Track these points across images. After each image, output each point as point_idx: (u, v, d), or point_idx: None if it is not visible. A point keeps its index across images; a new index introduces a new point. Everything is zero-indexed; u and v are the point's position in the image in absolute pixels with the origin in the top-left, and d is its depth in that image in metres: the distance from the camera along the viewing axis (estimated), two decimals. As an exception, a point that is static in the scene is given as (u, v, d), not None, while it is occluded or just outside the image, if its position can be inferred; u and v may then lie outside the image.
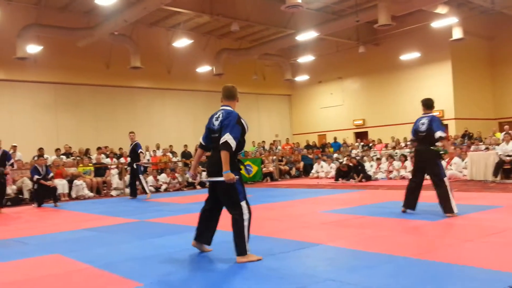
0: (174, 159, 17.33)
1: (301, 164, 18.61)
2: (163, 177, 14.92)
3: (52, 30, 16.68)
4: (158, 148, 18.07)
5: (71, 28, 16.95)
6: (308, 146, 21.30)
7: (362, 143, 20.74)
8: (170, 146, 18.39)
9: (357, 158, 15.81)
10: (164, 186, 14.65)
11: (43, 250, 5.55)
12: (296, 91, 26.29)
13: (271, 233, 5.83)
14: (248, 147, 17.62)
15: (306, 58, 22.38)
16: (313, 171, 17.28)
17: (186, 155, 18.49)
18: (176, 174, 15.06)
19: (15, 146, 14.69)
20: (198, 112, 22.28)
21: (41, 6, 16.99)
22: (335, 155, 18.81)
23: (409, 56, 20.60)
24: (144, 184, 12.36)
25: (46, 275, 4.34)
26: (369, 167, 15.10)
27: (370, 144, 20.21)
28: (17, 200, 12.42)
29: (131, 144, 12.46)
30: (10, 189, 12.63)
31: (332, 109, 24.55)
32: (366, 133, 23.15)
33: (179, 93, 21.88)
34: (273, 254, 4.66)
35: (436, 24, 17.84)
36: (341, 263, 4.31)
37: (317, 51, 22.46)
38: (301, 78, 24.45)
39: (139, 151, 12.24)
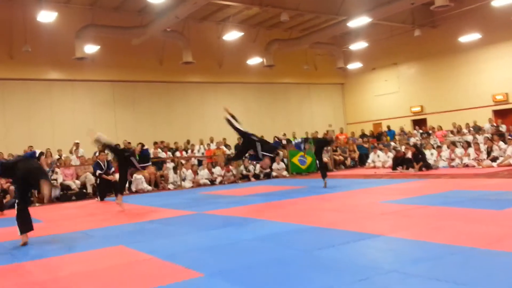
0: (228, 152, 17.47)
1: (357, 154, 18.22)
2: (217, 170, 15.10)
3: (107, 30, 17.24)
4: (212, 141, 18.29)
5: (125, 27, 17.45)
6: (363, 135, 20.82)
7: (421, 131, 20.00)
8: (224, 139, 18.56)
9: (418, 145, 15.21)
10: (219, 179, 14.82)
11: (108, 241, 5.74)
12: (349, 79, 25.73)
13: (330, 224, 5.72)
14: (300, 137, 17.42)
15: (358, 45, 21.81)
16: (369, 160, 16.86)
17: (239, 147, 18.60)
18: (231, 167, 15.18)
19: (77, 143, 15.36)
20: (250, 104, 22.35)
21: (96, 7, 17.59)
22: (393, 144, 18.25)
23: (469, 37, 19.54)
24: None
25: (112, 266, 4.48)
26: (429, 155, 14.52)
27: (430, 131, 19.44)
28: (81, 195, 12.99)
29: None
30: (75, 184, 13.24)
31: (388, 96, 23.82)
32: (424, 120, 22.28)
33: (230, 86, 22.01)
34: (333, 246, 4.57)
35: (497, 3, 16.79)
36: (404, 255, 4.15)
37: (370, 37, 21.83)
38: (354, 65, 23.88)
39: None
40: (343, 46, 23.25)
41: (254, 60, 21.02)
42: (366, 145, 18.64)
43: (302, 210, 7.41)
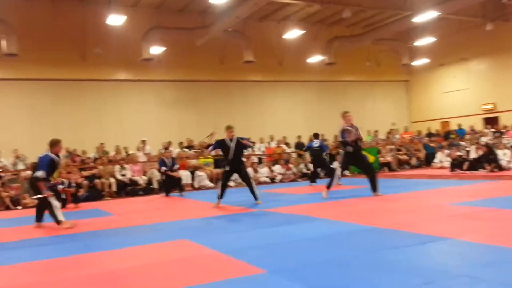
0: (288, 150, 17.49)
1: (423, 154, 17.59)
2: (277, 168, 15.17)
3: (172, 31, 17.82)
4: (272, 139, 18.37)
5: (189, 28, 17.94)
6: (429, 134, 20.05)
7: (493, 130, 18.94)
8: (284, 137, 18.60)
9: (489, 144, 14.44)
10: (279, 177, 14.88)
11: (173, 235, 5.96)
12: (414, 76, 24.85)
13: (394, 225, 5.58)
14: (363, 136, 17.01)
15: (425, 41, 20.99)
16: (436, 160, 16.22)
17: (299, 146, 18.56)
18: (290, 165, 15.19)
19: (144, 141, 16.01)
20: (310, 103, 22.22)
21: (162, 10, 18.21)
22: (462, 143, 17.43)
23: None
24: None
25: (177, 258, 4.65)
26: (502, 155, 13.73)
27: (502, 131, 18.37)
28: (148, 190, 13.54)
29: None
30: (142, 180, 13.84)
31: (456, 93, 22.75)
32: (496, 118, 21.08)
33: (291, 85, 21.99)
34: (397, 247, 4.46)
35: None
36: (473, 258, 3.97)
37: (437, 32, 20.94)
38: (420, 62, 23.03)
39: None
40: (408, 42, 22.48)
41: (315, 58, 20.85)
42: (432, 144, 17.94)
43: (363, 210, 7.29)
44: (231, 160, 8.91)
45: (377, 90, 24.18)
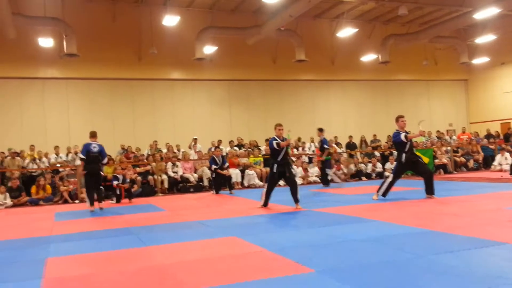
0: (339, 150, 17.24)
1: (481, 156, 16.82)
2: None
3: (225, 31, 18.04)
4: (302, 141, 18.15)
5: (241, 27, 18.09)
6: (488, 136, 19.14)
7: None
8: (335, 137, 18.36)
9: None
10: (329, 177, 14.70)
11: (222, 232, 6.04)
12: (473, 75, 23.78)
13: (447, 229, 5.38)
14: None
15: (485, 38, 20.05)
16: (495, 163, 15.46)
17: (351, 146, 18.26)
18: (341, 165, 14.98)
19: (195, 139, 16.32)
20: (363, 103, 21.79)
21: (214, 10, 18.49)
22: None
23: None
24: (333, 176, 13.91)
25: (226, 255, 4.71)
26: None
27: None
28: (198, 187, 13.80)
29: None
30: (193, 177, 14.11)
31: (518, 93, 21.58)
32: (562, 119, 19.82)
33: (343, 84, 21.66)
34: (451, 252, 4.30)
35: None
36: (534, 266, 3.76)
37: (498, 29, 19.94)
38: (480, 60, 22.01)
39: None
40: (467, 40, 21.56)
41: (368, 57, 20.44)
42: (492, 146, 17.12)
43: (416, 212, 7.07)
44: (280, 161, 8.38)
45: (434, 90, 23.35)
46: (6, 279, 4.18)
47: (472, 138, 18.79)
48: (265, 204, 8.54)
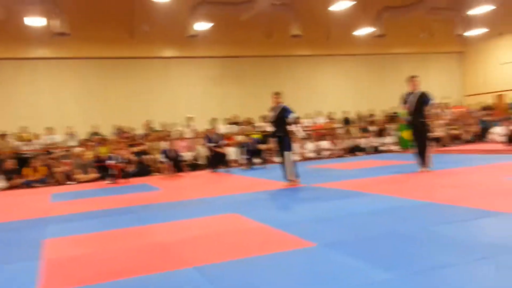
0: (335, 126, 17.20)
1: (477, 128, 16.82)
2: (325, 144, 14.97)
3: (218, 6, 17.66)
4: (319, 115, 18.11)
5: (235, 2, 17.73)
6: (485, 108, 19.11)
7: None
8: (330, 112, 18.28)
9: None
10: (326, 153, 14.71)
11: (222, 209, 6.01)
12: (469, 47, 23.57)
13: (447, 200, 5.37)
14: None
15: (483, 8, 19.77)
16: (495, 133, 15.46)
17: (347, 121, 18.21)
18: (338, 140, 14.96)
19: (190, 117, 16.18)
20: (359, 77, 21.62)
21: (208, -15, 18.12)
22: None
23: None
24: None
25: (228, 231, 4.70)
26: None
27: None
28: (194, 165, 13.75)
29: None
30: (188, 156, 14.04)
31: (515, 64, 21.45)
32: (558, 90, 19.78)
33: (338, 58, 21.44)
34: (451, 222, 4.31)
35: None
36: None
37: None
38: (477, 31, 21.79)
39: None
40: (464, 11, 21.27)
41: (364, 31, 20.18)
42: (488, 118, 17.10)
43: (415, 185, 7.07)
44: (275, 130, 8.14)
45: (430, 63, 23.18)
46: (2, 261, 4.13)
47: (468, 110, 18.76)
48: (297, 176, 8.08)
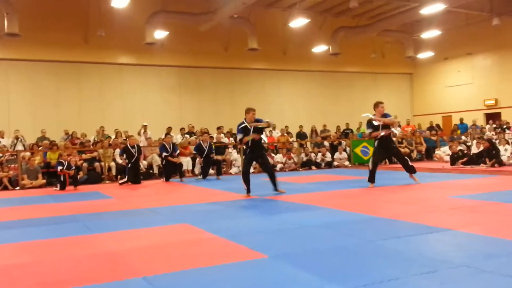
0: (290, 140, 17.44)
1: (424, 147, 17.56)
2: (279, 157, 15.13)
3: (176, 16, 17.64)
4: (274, 128, 18.31)
5: (193, 13, 17.77)
6: (431, 128, 20.00)
7: (494, 125, 18.88)
8: (286, 126, 18.54)
9: (493, 140, 14.41)
10: (279, 166, 14.86)
11: (174, 219, 5.95)
12: (418, 69, 24.73)
13: (394, 216, 5.56)
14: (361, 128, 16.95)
15: (431, 33, 20.85)
16: (436, 154, 16.17)
17: (301, 135, 18.52)
18: (292, 155, 15.17)
19: (145, 125, 15.96)
20: (314, 93, 22.12)
21: (167, -6, 18.04)
22: (463, 138, 17.40)
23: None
24: None
25: (178, 241, 4.64)
26: (503, 151, 13.70)
27: (504, 126, 18.31)
28: (148, 175, 13.52)
29: None
30: (142, 164, 13.79)
31: (460, 88, 22.66)
32: (499, 114, 21.03)
33: (294, 74, 21.88)
34: (398, 237, 4.44)
35: None
36: (475, 250, 3.95)
37: (443, 25, 20.80)
38: (425, 55, 22.89)
39: None
40: (413, 34, 22.33)
41: (319, 48, 20.72)
42: (434, 138, 17.90)
43: (365, 200, 7.27)
44: (252, 146, 8.07)
45: (381, 82, 24.08)
46: None
47: (416, 130, 19.56)
48: (248, 191, 8.12)
